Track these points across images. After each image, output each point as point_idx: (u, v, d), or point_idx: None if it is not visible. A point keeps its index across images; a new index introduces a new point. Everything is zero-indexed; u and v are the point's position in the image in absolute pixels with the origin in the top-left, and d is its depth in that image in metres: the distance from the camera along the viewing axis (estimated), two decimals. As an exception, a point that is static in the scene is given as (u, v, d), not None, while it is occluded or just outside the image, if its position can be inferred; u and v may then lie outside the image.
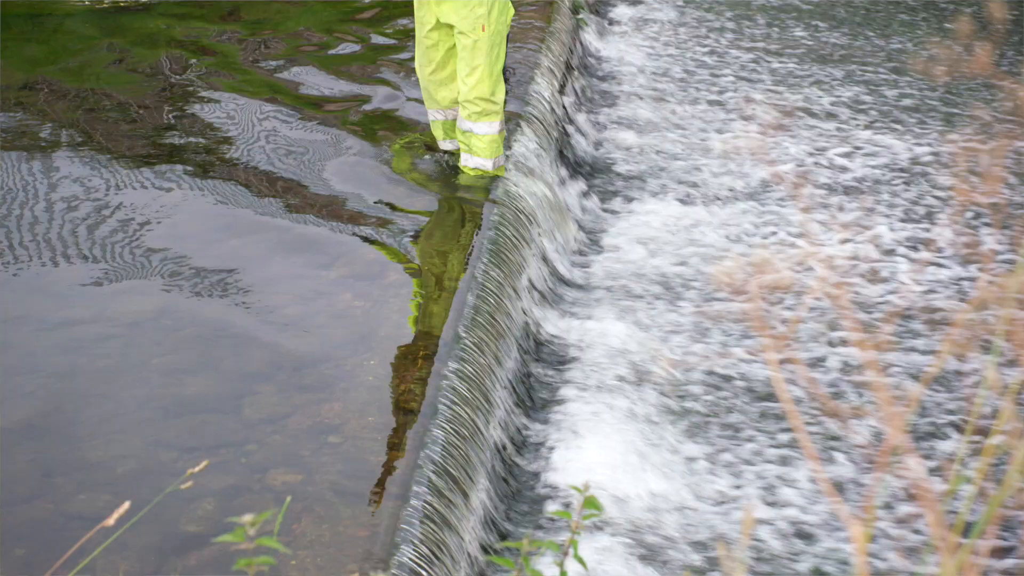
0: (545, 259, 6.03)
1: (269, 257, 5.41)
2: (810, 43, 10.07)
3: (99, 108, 6.94)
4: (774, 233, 6.71)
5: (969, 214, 6.52)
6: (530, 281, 5.73)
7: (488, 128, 6.01)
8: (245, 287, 5.14)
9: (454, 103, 6.13)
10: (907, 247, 6.62)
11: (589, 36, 9.36)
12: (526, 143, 6.66)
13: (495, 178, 6.10)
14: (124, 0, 9.11)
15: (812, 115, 8.47)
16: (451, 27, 5.88)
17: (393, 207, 5.91)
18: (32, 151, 6.33)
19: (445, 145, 6.36)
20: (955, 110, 8.15)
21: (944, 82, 8.04)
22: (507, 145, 6.33)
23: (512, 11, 6.07)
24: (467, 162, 6.13)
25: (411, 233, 5.68)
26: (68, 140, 6.52)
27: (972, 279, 6.18)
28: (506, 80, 6.15)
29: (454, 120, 6.20)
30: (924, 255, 6.49)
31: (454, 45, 5.96)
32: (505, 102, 6.08)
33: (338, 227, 5.71)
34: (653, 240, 6.58)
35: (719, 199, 7.08)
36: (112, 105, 6.99)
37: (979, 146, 6.76)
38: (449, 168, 6.30)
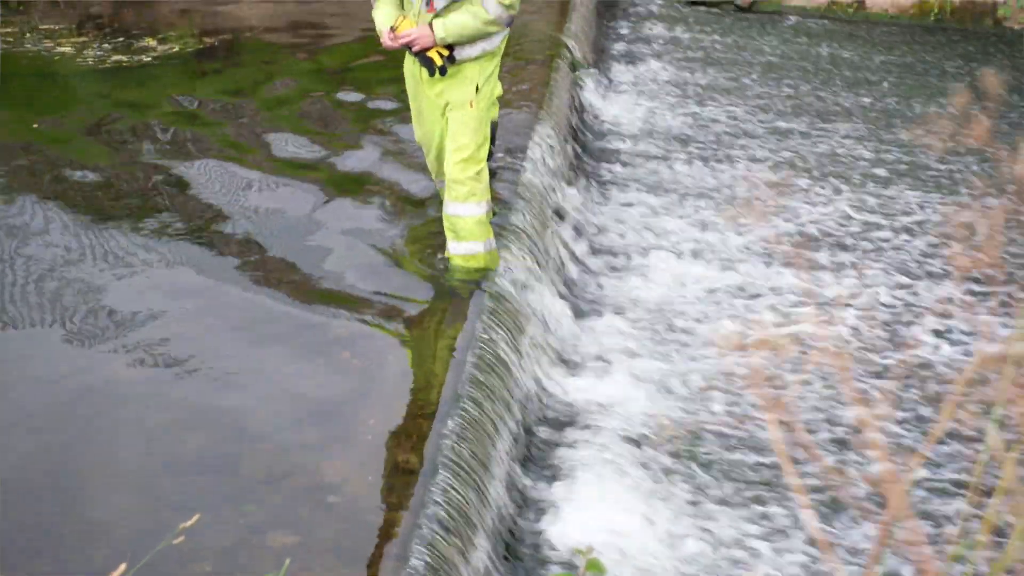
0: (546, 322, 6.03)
1: (268, 314, 5.42)
2: (807, 100, 10.14)
3: (87, 168, 6.96)
4: (772, 297, 6.71)
5: (967, 279, 6.53)
6: (532, 338, 5.72)
7: (476, 209, 5.78)
8: (238, 345, 5.14)
9: None
10: (904, 310, 6.63)
11: (588, 94, 9.42)
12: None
13: (487, 270, 5.84)
14: (127, 60, 9.18)
15: (808, 175, 8.51)
16: (443, 106, 5.75)
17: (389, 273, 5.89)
18: (16, 211, 6.35)
19: None
20: (952, 178, 8.16)
21: (941, 150, 8.08)
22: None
23: (500, 90, 5.99)
24: (455, 249, 5.86)
25: (409, 295, 5.68)
26: (55, 199, 6.53)
27: (972, 343, 6.18)
28: (491, 156, 6.05)
29: None
30: (922, 318, 6.51)
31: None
32: (491, 181, 5.94)
33: (335, 286, 5.71)
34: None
35: (716, 259, 7.09)
36: (100, 166, 6.99)
37: (977, 214, 6.79)
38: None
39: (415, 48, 5.51)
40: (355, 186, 6.87)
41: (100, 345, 5.06)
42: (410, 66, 5.83)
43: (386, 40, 5.57)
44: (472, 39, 5.53)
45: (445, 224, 5.86)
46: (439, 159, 5.99)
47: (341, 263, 5.95)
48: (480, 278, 5.79)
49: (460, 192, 5.73)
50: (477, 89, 5.66)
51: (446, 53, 5.54)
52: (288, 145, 7.53)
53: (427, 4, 5.46)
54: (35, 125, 7.67)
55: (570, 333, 6.14)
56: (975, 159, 8.39)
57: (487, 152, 5.85)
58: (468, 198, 5.74)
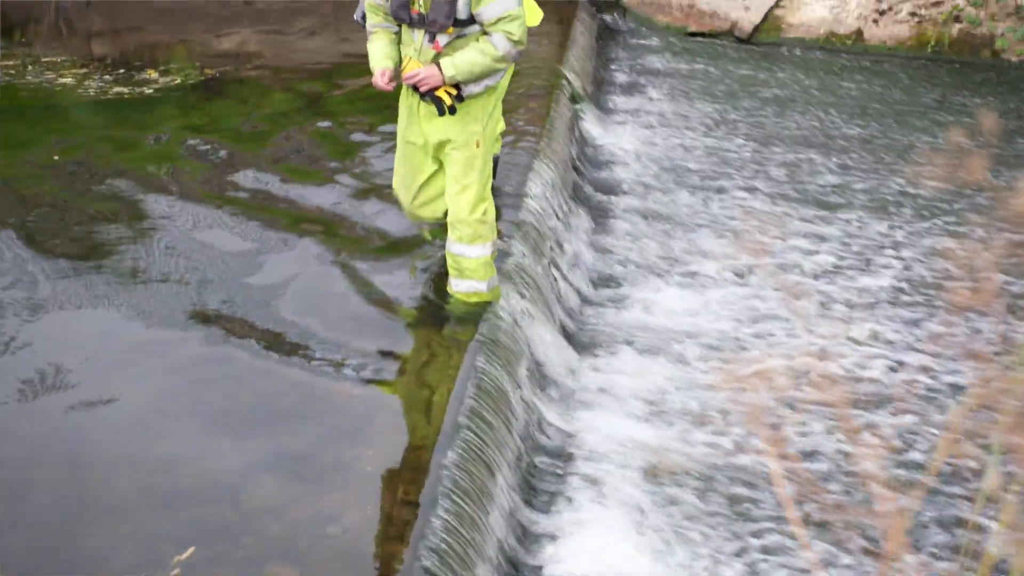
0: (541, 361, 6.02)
1: (268, 348, 5.42)
2: (806, 131, 10.17)
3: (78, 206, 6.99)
4: (769, 329, 6.71)
5: (965, 312, 6.53)
6: (531, 370, 5.73)
7: (481, 251, 5.69)
8: (241, 376, 5.14)
9: (442, 218, 5.87)
10: (901, 343, 6.63)
11: (588, 125, 9.45)
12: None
13: (487, 303, 5.80)
14: (128, 91, 9.22)
15: (805, 206, 8.52)
16: (442, 144, 5.62)
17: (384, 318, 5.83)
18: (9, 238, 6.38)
19: (430, 238, 6.26)
20: (949, 213, 8.15)
21: (938, 186, 8.10)
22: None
23: (503, 124, 5.96)
24: (457, 286, 5.79)
25: (408, 327, 5.67)
26: (35, 235, 6.55)
27: (969, 376, 6.17)
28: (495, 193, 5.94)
29: (442, 226, 5.96)
30: (919, 350, 6.51)
31: (442, 165, 5.72)
32: (497, 219, 5.82)
33: (333, 323, 5.71)
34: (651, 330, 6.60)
35: (715, 291, 7.09)
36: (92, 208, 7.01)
37: (974, 249, 6.80)
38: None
39: (423, 88, 5.40)
40: (357, 218, 6.87)
41: (93, 383, 5.06)
42: (407, 100, 5.71)
43: (378, 81, 5.48)
44: (481, 77, 5.43)
45: (448, 261, 5.77)
46: (419, 197, 5.84)
47: (339, 294, 5.95)
48: (479, 310, 5.75)
49: (465, 233, 5.62)
50: (482, 127, 5.58)
51: (454, 92, 5.44)
52: (286, 168, 7.56)
53: (430, 41, 5.36)
54: (56, 158, 7.68)
55: (569, 365, 6.14)
56: (972, 195, 8.38)
57: (490, 186, 5.76)
58: (474, 240, 5.64)
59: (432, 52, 5.37)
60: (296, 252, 6.38)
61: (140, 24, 11.66)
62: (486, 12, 5.27)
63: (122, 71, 9.76)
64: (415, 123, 5.66)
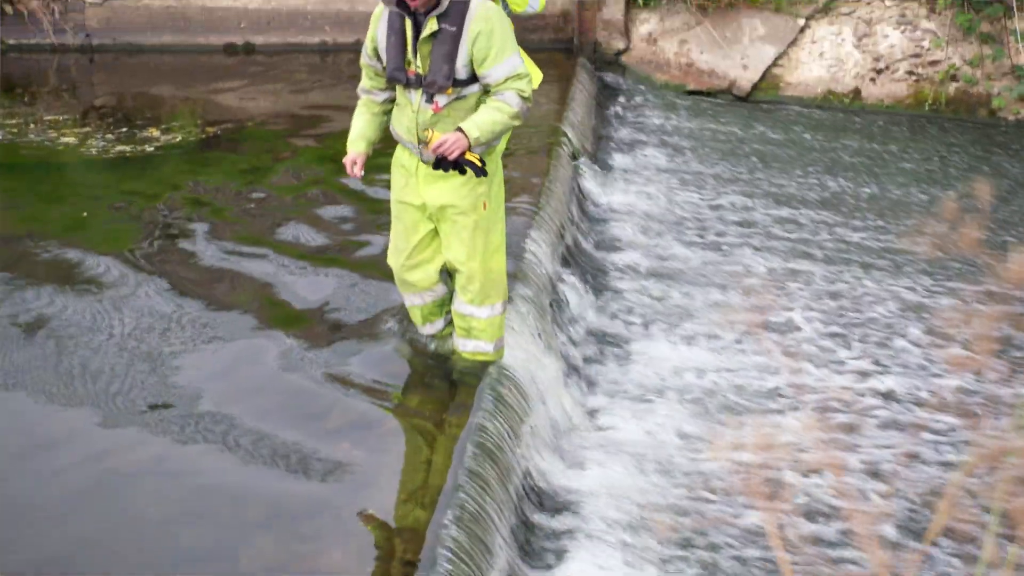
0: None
1: (266, 407, 5.42)
2: (804, 189, 10.21)
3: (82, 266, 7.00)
4: (767, 393, 6.69)
5: (962, 375, 6.50)
6: (531, 427, 5.71)
7: (491, 311, 5.61)
8: (240, 434, 5.13)
9: (432, 285, 5.67)
10: (899, 406, 6.61)
11: (587, 182, 9.49)
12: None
13: (491, 362, 5.70)
14: (130, 150, 9.27)
15: (802, 264, 8.53)
16: (444, 209, 5.45)
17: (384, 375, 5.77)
18: (23, 295, 6.40)
19: (426, 330, 5.90)
20: (945, 280, 8.14)
21: (933, 252, 8.11)
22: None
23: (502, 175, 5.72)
24: (464, 346, 5.70)
25: (409, 384, 5.65)
26: (56, 286, 6.57)
27: (968, 438, 6.15)
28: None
29: (433, 302, 5.76)
30: (916, 412, 6.50)
31: (435, 227, 5.55)
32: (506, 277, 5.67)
33: (330, 381, 5.69)
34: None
35: (713, 351, 7.08)
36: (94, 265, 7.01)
37: (970, 313, 6.80)
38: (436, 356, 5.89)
39: (453, 155, 5.24)
40: (358, 274, 6.89)
41: (112, 431, 5.07)
42: (405, 160, 5.54)
43: (348, 168, 5.46)
44: (499, 136, 5.35)
45: (456, 321, 5.67)
46: (412, 258, 5.63)
47: (342, 351, 5.95)
48: (480, 368, 5.71)
49: (478, 294, 5.54)
50: (488, 187, 5.45)
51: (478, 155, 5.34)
52: (291, 232, 7.57)
53: (428, 101, 5.28)
54: (84, 214, 7.68)
55: (570, 421, 6.13)
56: (967, 260, 8.33)
57: (504, 241, 5.63)
58: (484, 301, 5.56)
59: (430, 113, 5.29)
60: (300, 314, 6.38)
61: (142, 81, 11.75)
62: (494, 73, 5.23)
63: (124, 129, 9.82)
64: (413, 186, 5.51)
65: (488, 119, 5.23)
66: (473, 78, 5.28)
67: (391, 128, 5.56)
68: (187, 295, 6.57)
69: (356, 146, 5.53)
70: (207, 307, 6.43)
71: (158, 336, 6.06)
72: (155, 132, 9.77)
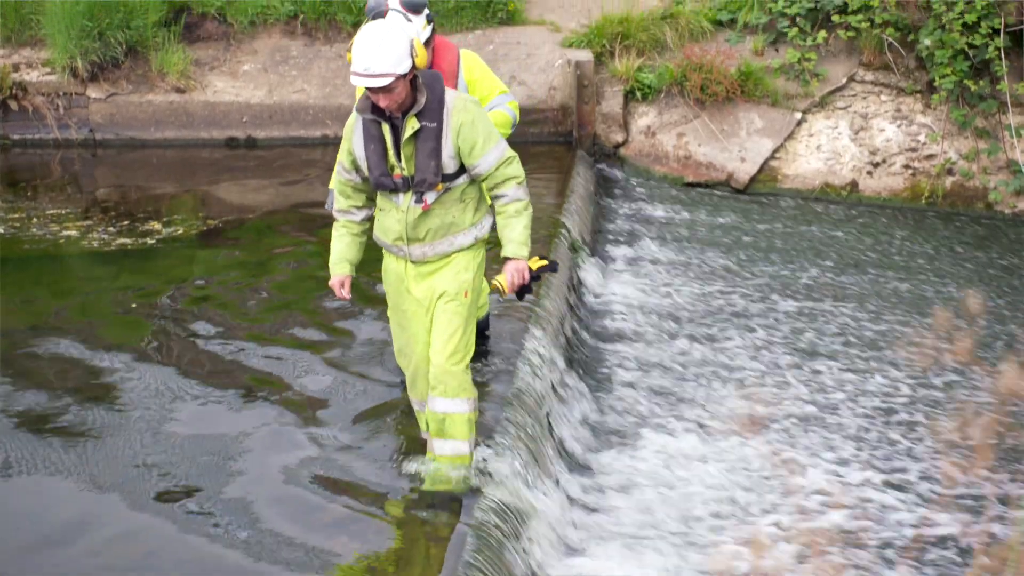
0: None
1: (265, 502, 5.38)
2: (800, 282, 10.23)
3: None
4: (766, 493, 6.61)
5: (961, 485, 6.42)
6: (528, 542, 5.61)
7: (465, 406, 5.42)
8: (238, 527, 5.10)
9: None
10: (900, 512, 6.54)
11: (586, 274, 9.51)
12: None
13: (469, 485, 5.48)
14: (131, 243, 9.32)
15: (798, 357, 8.51)
16: (434, 297, 5.46)
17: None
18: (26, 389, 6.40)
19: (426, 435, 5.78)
20: (937, 395, 8.07)
21: (924, 368, 8.06)
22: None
23: (485, 284, 5.78)
24: (441, 449, 5.49)
25: (385, 521, 5.45)
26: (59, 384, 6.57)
27: (969, 547, 6.05)
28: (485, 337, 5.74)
29: None
30: (916, 513, 6.44)
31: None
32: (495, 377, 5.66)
33: (329, 475, 5.66)
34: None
35: (713, 458, 6.98)
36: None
37: (965, 428, 6.76)
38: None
39: (528, 280, 5.39)
40: (358, 369, 6.88)
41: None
42: (393, 265, 5.58)
43: (336, 290, 5.53)
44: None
45: (430, 422, 5.49)
46: (421, 370, 5.57)
47: (342, 444, 5.92)
48: (463, 489, 5.44)
49: (451, 386, 5.39)
50: (472, 275, 5.49)
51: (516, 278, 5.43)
52: (291, 325, 7.58)
53: (417, 201, 5.30)
54: (133, 305, 7.63)
55: (565, 529, 6.00)
56: (960, 375, 8.22)
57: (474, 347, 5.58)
58: (459, 393, 5.40)
59: (419, 212, 5.32)
60: (279, 425, 6.25)
61: (145, 174, 11.84)
62: (484, 162, 5.29)
63: (126, 222, 9.87)
64: (405, 293, 5.53)
65: (520, 228, 5.38)
66: (460, 170, 5.33)
67: (375, 237, 5.56)
68: (188, 387, 6.58)
69: (341, 269, 5.56)
70: (207, 400, 6.45)
71: (157, 429, 6.05)
72: (156, 225, 9.83)
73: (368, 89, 5.12)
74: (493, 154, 5.30)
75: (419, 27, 5.98)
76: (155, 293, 8.10)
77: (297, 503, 5.40)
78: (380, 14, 5.93)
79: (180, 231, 9.72)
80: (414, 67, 5.15)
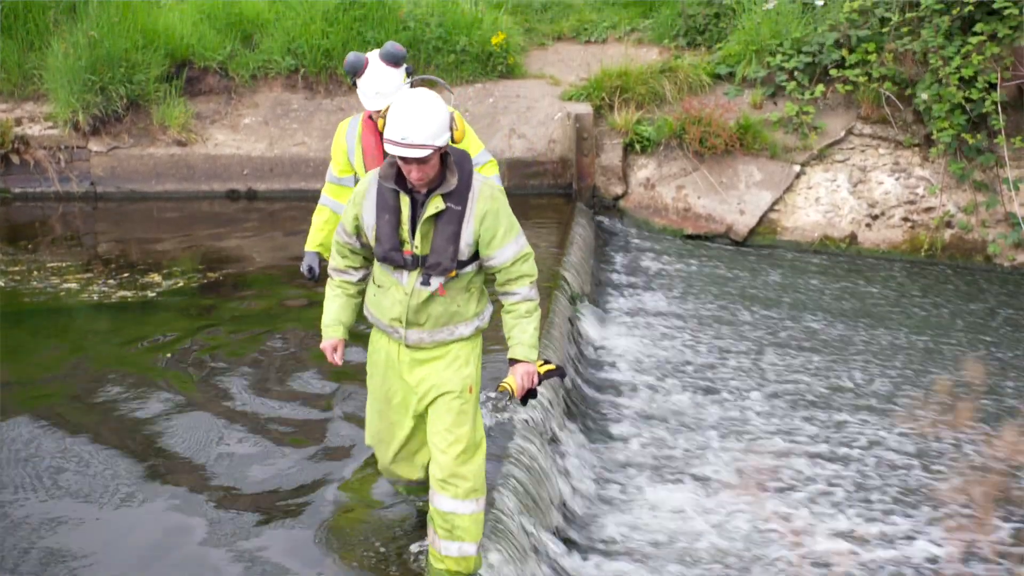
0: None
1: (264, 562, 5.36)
2: (800, 334, 10.24)
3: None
4: (766, 547, 6.57)
5: (963, 547, 6.36)
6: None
7: (475, 507, 5.07)
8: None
9: (421, 477, 5.38)
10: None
11: (586, 325, 9.51)
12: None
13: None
14: (131, 295, 9.32)
15: (801, 415, 8.48)
16: (428, 392, 5.13)
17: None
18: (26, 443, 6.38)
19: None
20: (940, 458, 8.04)
21: (927, 433, 8.03)
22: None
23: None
24: (448, 549, 5.10)
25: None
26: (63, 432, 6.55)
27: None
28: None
29: (419, 485, 5.48)
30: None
31: (422, 415, 5.19)
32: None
33: (330, 536, 5.64)
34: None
35: (713, 511, 6.95)
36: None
37: (967, 484, 6.73)
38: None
39: (536, 384, 5.10)
40: (355, 424, 6.85)
41: None
42: (385, 345, 5.22)
43: (328, 354, 5.22)
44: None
45: (436, 521, 5.11)
46: (399, 456, 5.34)
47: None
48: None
49: (462, 489, 5.04)
50: (474, 369, 5.15)
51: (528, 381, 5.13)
52: (294, 379, 7.56)
53: (424, 282, 4.96)
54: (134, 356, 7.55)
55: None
56: (961, 439, 8.17)
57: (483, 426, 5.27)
58: (469, 495, 5.05)
59: (425, 294, 5.00)
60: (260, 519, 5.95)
61: (145, 227, 11.87)
62: (502, 255, 5.01)
63: (126, 275, 9.88)
64: (394, 376, 5.20)
65: (531, 331, 5.09)
66: (474, 258, 5.03)
67: (366, 311, 5.26)
68: (190, 443, 6.54)
69: (334, 332, 5.24)
70: (214, 457, 6.40)
71: (159, 486, 6.04)
72: (157, 277, 9.84)
73: (400, 159, 4.82)
74: (512, 248, 5.00)
75: (399, 80, 5.96)
76: (154, 349, 8.09)
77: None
78: (360, 68, 5.93)
79: (181, 283, 9.73)
80: (451, 141, 4.91)
